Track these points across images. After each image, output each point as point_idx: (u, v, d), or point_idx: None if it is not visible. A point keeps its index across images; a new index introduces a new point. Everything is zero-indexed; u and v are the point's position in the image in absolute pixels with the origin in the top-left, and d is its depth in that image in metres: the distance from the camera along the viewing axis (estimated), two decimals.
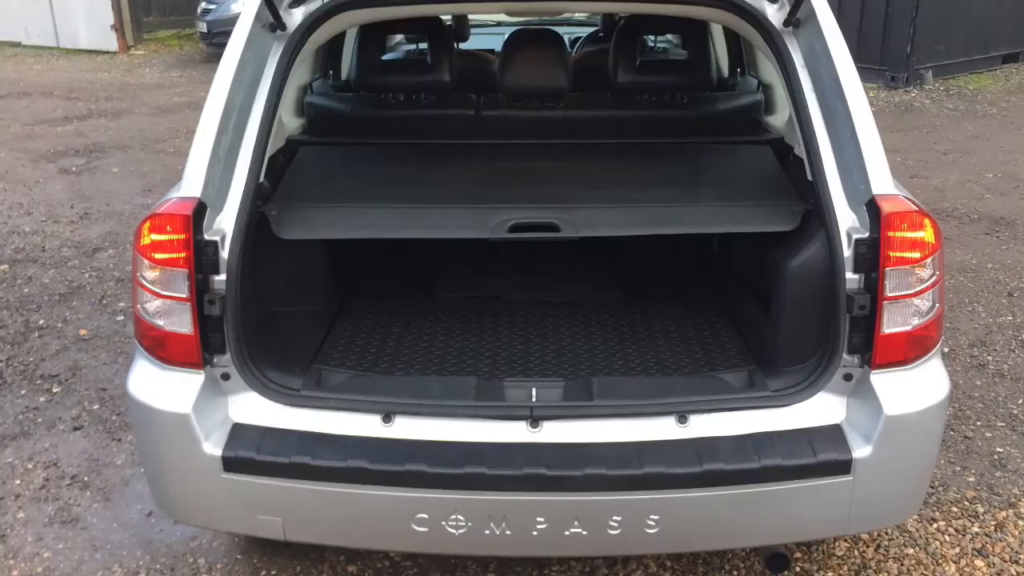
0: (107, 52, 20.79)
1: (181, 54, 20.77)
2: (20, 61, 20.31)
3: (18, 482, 4.86)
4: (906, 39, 14.46)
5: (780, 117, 4.83)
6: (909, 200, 3.22)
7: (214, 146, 3.32)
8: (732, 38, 5.83)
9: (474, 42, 6.96)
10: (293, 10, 3.73)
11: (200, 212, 3.21)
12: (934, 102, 14.18)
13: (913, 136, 12.13)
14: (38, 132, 13.01)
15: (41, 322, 6.76)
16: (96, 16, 20.91)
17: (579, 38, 7.89)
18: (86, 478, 4.87)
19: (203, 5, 19.58)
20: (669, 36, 6.36)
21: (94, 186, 10.33)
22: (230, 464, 3.24)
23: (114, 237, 8.53)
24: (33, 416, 5.49)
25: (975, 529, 4.42)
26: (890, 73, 14.66)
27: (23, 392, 5.76)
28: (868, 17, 14.58)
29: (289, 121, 4.80)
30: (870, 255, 3.16)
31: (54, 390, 5.78)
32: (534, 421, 3.27)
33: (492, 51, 6.45)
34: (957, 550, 4.28)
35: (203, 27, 19.37)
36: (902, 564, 4.18)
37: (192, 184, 3.26)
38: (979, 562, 4.19)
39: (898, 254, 3.13)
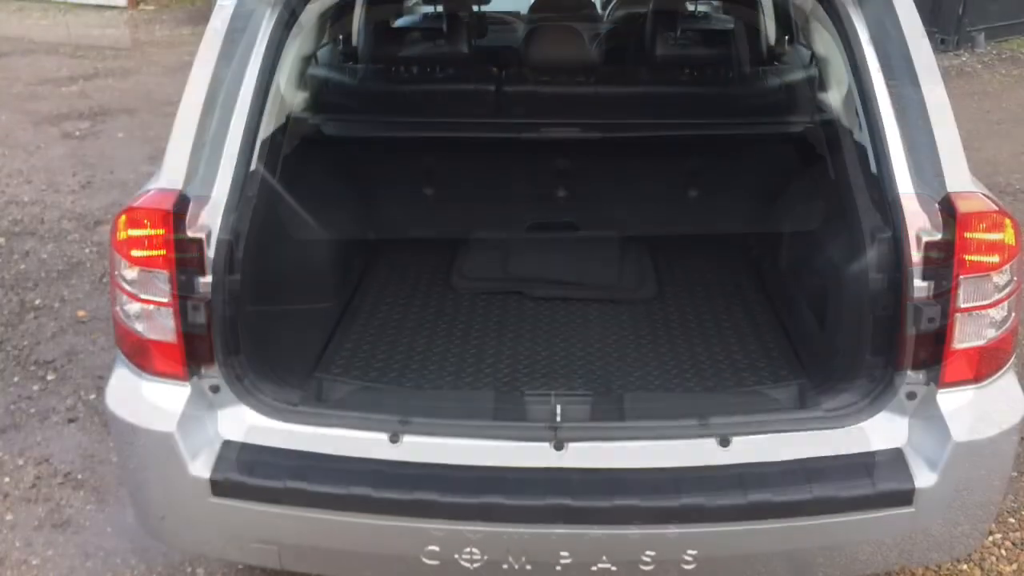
0: (115, 7, 20.66)
1: (192, 10, 20.60)
2: (26, 15, 20.20)
3: (7, 480, 4.76)
4: None
5: (835, 95, 4.57)
6: (988, 198, 3.01)
7: (197, 130, 3.13)
8: (780, 1, 5.56)
9: (497, 3, 6.76)
10: None
11: (182, 206, 3.02)
12: (986, 67, 13.95)
13: (964, 103, 11.81)
14: (41, 92, 12.90)
15: (37, 301, 6.66)
16: None
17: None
18: (80, 476, 4.77)
19: None
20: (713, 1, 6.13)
21: (98, 152, 10.20)
22: (219, 488, 3.07)
23: (117, 209, 8.26)
24: (25, 406, 5.39)
25: None
26: (940, 35, 14.34)
27: (15, 379, 5.66)
28: None
29: (291, 96, 4.58)
30: (942, 260, 2.94)
31: (48, 378, 5.68)
32: (558, 442, 3.08)
33: (517, 14, 6.24)
34: (1015, 567, 4.12)
35: None
36: None
37: (172, 174, 3.07)
38: None
39: (975, 258, 2.92)
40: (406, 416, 3.20)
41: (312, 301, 4.09)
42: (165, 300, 3.02)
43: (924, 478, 2.99)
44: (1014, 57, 14.53)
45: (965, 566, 4.09)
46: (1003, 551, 4.19)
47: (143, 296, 3.04)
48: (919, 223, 3.01)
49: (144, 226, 2.99)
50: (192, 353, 3.09)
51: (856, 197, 3.51)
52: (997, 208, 2.95)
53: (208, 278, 3.05)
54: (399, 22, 5.48)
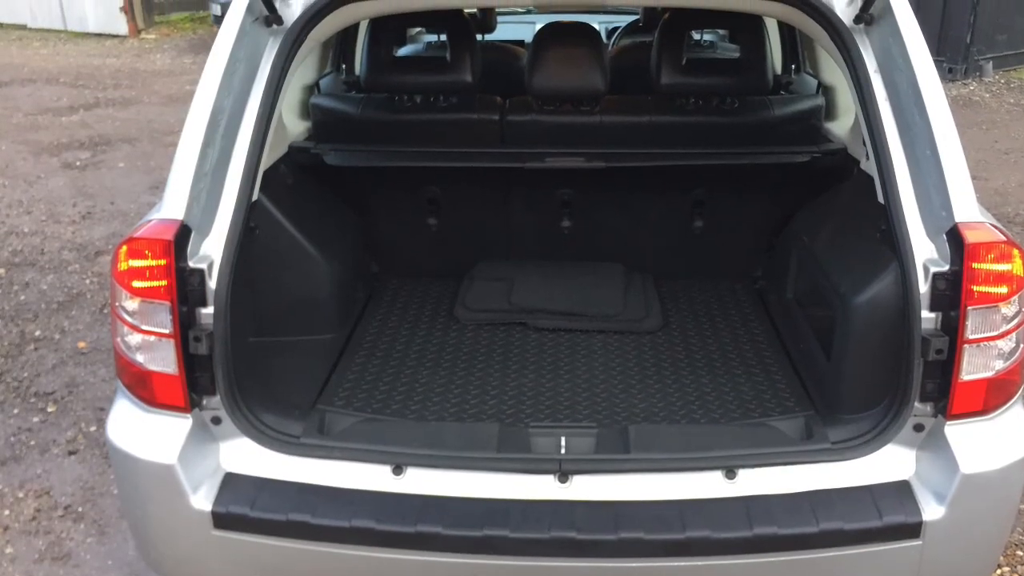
0: (116, 36, 20.79)
1: (194, 38, 20.70)
2: (26, 45, 20.30)
3: (7, 512, 4.74)
4: (966, 27, 14.19)
5: (843, 124, 4.58)
6: (996, 228, 2.98)
7: (199, 160, 3.10)
8: (786, 30, 5.56)
9: (501, 31, 6.75)
10: (291, 1, 3.47)
11: (183, 236, 3.00)
12: (994, 96, 13.93)
13: (971, 133, 11.81)
14: (41, 123, 12.94)
15: (37, 333, 6.65)
16: None
17: (616, 28, 7.64)
18: (80, 509, 4.76)
19: None
20: (718, 30, 6.11)
21: (98, 182, 10.23)
22: (221, 520, 3.06)
23: (118, 239, 8.25)
24: (25, 438, 5.37)
25: None
26: (947, 64, 14.38)
27: (16, 411, 5.65)
28: (926, 2, 14.13)
29: (293, 125, 4.61)
30: (950, 291, 2.92)
31: (49, 409, 5.67)
32: (563, 475, 3.07)
33: (521, 43, 6.23)
34: None
35: (217, 10, 19.23)
36: None
37: (174, 204, 3.04)
38: None
39: (983, 289, 2.89)
40: (409, 448, 3.19)
41: (315, 332, 4.07)
42: (166, 331, 2.99)
43: (932, 511, 2.97)
44: (1022, 86, 14.51)
45: None
46: None
47: (144, 327, 3.01)
48: (926, 253, 3.00)
49: (145, 257, 2.96)
50: (194, 385, 3.06)
51: (863, 227, 3.52)
52: (1005, 238, 2.92)
53: (210, 309, 3.03)
54: (402, 51, 5.47)
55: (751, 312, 4.68)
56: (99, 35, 20.99)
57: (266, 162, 3.49)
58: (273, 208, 3.77)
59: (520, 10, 8.28)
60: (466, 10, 5.00)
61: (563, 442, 3.27)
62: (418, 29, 6.25)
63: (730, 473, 3.07)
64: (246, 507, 3.04)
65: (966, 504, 2.97)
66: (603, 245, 4.99)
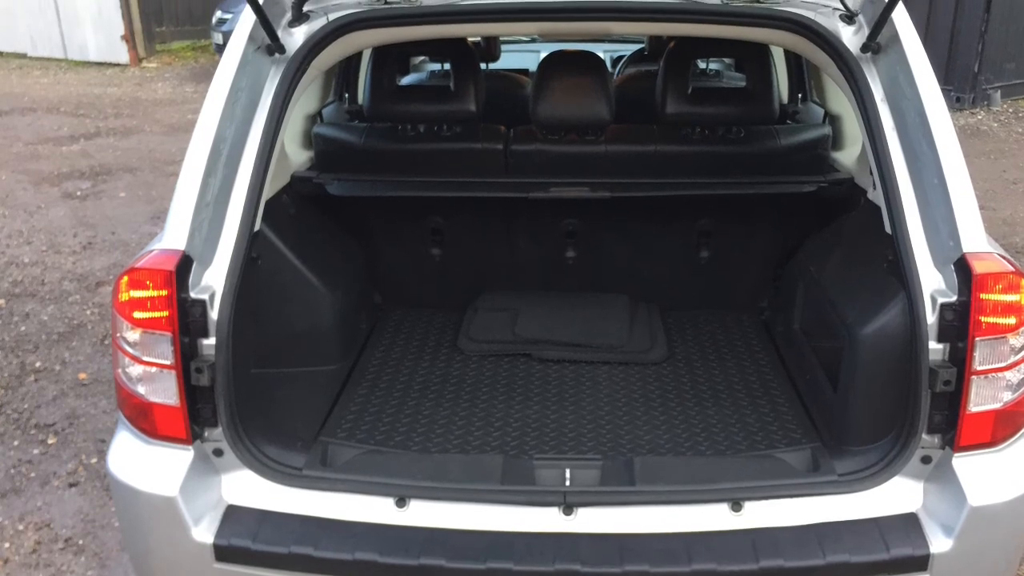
0: (117, 64, 20.79)
1: (196, 67, 20.72)
2: (26, 74, 20.34)
3: (7, 545, 4.73)
4: (974, 56, 14.16)
5: (850, 153, 4.58)
6: (1004, 259, 2.99)
7: (201, 190, 3.11)
8: (793, 59, 5.58)
9: (506, 60, 6.77)
10: (293, 30, 3.50)
11: (185, 267, 3.00)
12: (1002, 125, 13.89)
13: (979, 163, 11.81)
14: (42, 152, 12.95)
15: (38, 364, 6.65)
16: (105, 25, 20.90)
17: (621, 56, 7.66)
18: (80, 541, 4.74)
19: (218, 15, 19.29)
20: (724, 59, 6.13)
21: (99, 212, 10.22)
22: (223, 553, 3.05)
23: (119, 270, 8.32)
24: (26, 471, 5.36)
25: None
26: (955, 93, 14.36)
27: (16, 443, 5.64)
28: (933, 31, 14.24)
29: (296, 155, 4.61)
30: (958, 322, 2.93)
31: (49, 441, 5.66)
32: (568, 507, 3.07)
33: (525, 71, 6.25)
34: None
35: (219, 38, 19.18)
36: None
37: (175, 234, 3.05)
38: None
39: (991, 320, 2.90)
40: (413, 481, 3.19)
41: (317, 363, 4.06)
42: (168, 362, 3.00)
43: (939, 543, 2.97)
44: None
45: None
46: None
47: (145, 358, 3.02)
48: (934, 284, 3.00)
49: (146, 287, 2.96)
50: (195, 416, 3.07)
51: (870, 258, 3.51)
52: (1013, 269, 2.93)
53: (211, 340, 3.04)
54: (405, 80, 5.48)
55: (757, 343, 4.68)
56: (100, 64, 21.00)
57: (268, 192, 3.50)
58: (275, 238, 3.78)
59: (524, 39, 8.32)
60: (470, 39, 5.02)
61: (568, 474, 3.26)
62: (421, 58, 6.27)
63: (736, 505, 3.07)
64: (248, 540, 3.04)
65: (974, 537, 2.97)
66: (608, 275, 5.00)
